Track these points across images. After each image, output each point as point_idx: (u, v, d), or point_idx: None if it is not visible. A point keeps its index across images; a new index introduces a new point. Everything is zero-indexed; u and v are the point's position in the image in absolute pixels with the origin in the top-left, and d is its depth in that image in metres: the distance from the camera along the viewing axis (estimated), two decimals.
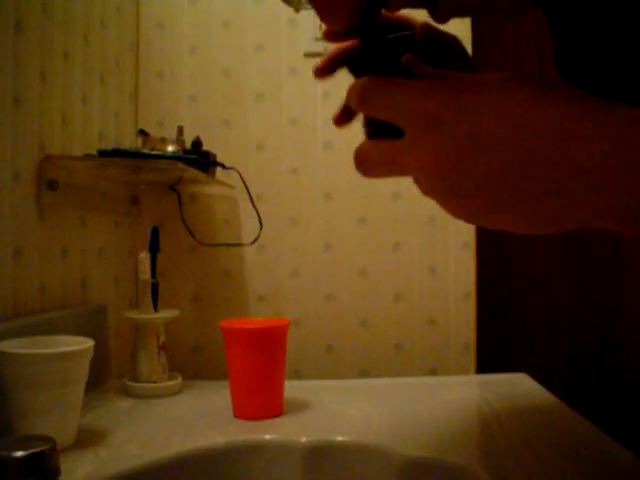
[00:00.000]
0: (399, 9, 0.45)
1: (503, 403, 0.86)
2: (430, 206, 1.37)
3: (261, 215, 1.27)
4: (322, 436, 0.73)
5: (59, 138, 0.94)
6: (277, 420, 0.80)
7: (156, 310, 0.97)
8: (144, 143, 1.11)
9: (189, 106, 1.32)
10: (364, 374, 1.33)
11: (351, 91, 0.39)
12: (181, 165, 1.00)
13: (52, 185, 0.90)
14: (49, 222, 0.90)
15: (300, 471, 0.71)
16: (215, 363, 1.29)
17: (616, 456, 0.66)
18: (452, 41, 0.49)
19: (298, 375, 1.30)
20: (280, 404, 0.83)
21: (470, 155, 0.34)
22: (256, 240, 1.28)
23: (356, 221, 1.34)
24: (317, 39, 1.30)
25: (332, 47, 0.49)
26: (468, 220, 0.39)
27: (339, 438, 0.72)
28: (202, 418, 0.81)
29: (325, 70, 0.49)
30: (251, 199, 1.26)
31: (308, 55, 1.31)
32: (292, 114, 1.31)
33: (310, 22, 1.30)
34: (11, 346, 0.67)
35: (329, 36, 0.46)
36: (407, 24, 0.48)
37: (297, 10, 0.40)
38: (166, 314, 0.98)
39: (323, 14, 0.40)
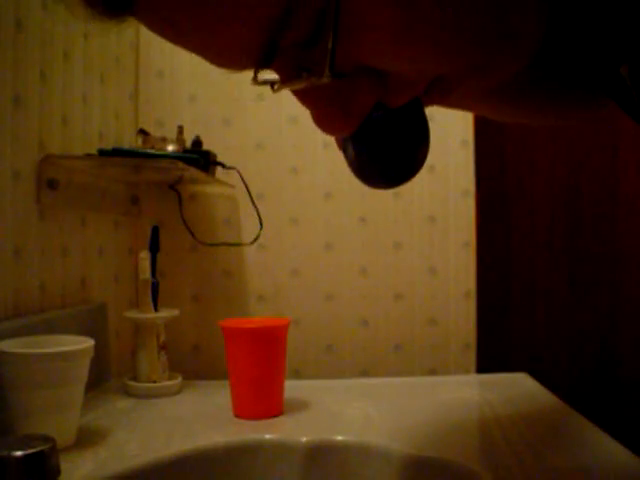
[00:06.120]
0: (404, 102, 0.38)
1: (503, 403, 0.86)
2: (430, 206, 1.37)
3: (261, 215, 1.27)
4: (322, 436, 0.73)
5: (59, 137, 0.93)
6: (277, 420, 0.80)
7: (156, 310, 0.97)
8: (144, 142, 1.11)
9: (189, 105, 1.32)
10: (364, 374, 1.33)
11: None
12: (181, 164, 1.00)
13: (52, 184, 0.90)
14: (49, 221, 0.90)
15: (300, 471, 0.71)
16: (215, 363, 1.29)
17: (616, 456, 0.66)
18: None
19: (298, 375, 1.30)
20: (280, 404, 0.83)
21: None
22: (256, 240, 1.28)
23: (356, 221, 1.33)
24: None
25: None
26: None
27: (339, 438, 0.72)
28: (202, 418, 0.81)
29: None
30: (251, 199, 1.26)
31: None
32: (292, 113, 1.31)
33: None
34: (11, 346, 0.67)
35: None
36: None
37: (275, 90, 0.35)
38: (166, 314, 0.98)
39: (323, 129, 0.35)
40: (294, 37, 0.30)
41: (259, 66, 0.33)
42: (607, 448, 0.68)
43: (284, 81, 0.33)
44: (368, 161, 0.43)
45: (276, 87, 0.34)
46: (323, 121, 0.35)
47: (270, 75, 0.33)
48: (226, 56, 0.32)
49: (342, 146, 0.44)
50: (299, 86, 0.33)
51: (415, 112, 0.42)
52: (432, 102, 0.37)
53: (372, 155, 0.43)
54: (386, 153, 0.42)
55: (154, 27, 0.31)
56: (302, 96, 0.35)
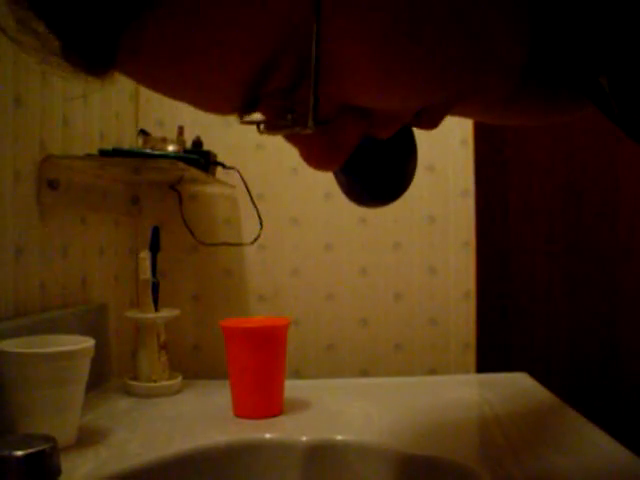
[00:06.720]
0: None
1: (503, 402, 0.86)
2: (430, 206, 1.37)
3: (261, 215, 1.27)
4: (322, 435, 0.73)
5: (60, 138, 0.94)
6: (277, 419, 0.80)
7: (157, 309, 0.98)
8: (145, 143, 1.12)
9: (189, 106, 1.32)
10: (364, 373, 1.33)
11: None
12: (181, 165, 1.00)
13: (53, 185, 0.90)
14: (50, 221, 0.90)
15: (300, 470, 0.71)
16: (215, 362, 1.29)
17: (616, 456, 0.66)
18: None
19: (298, 375, 1.30)
20: (280, 403, 0.83)
21: None
22: (256, 240, 1.28)
23: (356, 221, 1.34)
24: None
25: None
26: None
27: (339, 437, 0.73)
28: (202, 417, 0.81)
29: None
30: (251, 199, 1.27)
31: None
32: None
33: None
34: (11, 346, 0.67)
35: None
36: None
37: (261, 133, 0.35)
38: (167, 313, 0.98)
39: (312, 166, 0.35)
40: (275, 86, 0.31)
41: (243, 112, 0.33)
42: (607, 448, 0.68)
43: (269, 125, 0.34)
44: (359, 183, 0.43)
45: (262, 128, 0.34)
46: (310, 159, 0.35)
47: (256, 116, 0.34)
48: (209, 105, 0.33)
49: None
50: (284, 133, 0.33)
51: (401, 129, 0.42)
52: (423, 129, 0.37)
53: (362, 177, 0.43)
54: (375, 174, 0.42)
55: (137, 80, 0.32)
56: (288, 135, 0.35)
